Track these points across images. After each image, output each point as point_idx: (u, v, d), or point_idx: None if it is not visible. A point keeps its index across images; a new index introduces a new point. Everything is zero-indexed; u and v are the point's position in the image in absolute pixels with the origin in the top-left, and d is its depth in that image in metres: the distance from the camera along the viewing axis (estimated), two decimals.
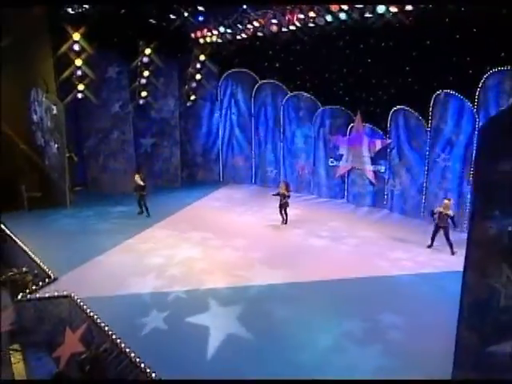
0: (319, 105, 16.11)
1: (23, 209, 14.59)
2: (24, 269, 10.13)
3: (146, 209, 14.06)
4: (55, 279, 9.65)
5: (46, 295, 8.91)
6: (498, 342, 5.09)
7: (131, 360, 6.66)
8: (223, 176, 18.80)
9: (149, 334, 7.88)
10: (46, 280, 9.54)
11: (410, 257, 11.26)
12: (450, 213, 11.05)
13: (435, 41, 12.92)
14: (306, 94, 16.34)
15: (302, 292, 9.39)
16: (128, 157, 16.81)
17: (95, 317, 7.80)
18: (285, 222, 13.41)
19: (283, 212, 13.36)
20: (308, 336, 7.82)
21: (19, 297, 9.03)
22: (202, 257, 11.13)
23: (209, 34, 16.43)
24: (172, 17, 15.35)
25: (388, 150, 14.66)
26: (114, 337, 7.20)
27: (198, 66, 17.71)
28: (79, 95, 15.72)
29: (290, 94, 16.71)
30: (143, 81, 16.74)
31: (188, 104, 18.10)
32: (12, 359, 8.61)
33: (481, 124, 11.52)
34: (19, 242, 11.51)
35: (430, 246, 11.61)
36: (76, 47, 15.05)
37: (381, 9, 12.20)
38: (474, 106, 12.27)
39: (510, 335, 5.00)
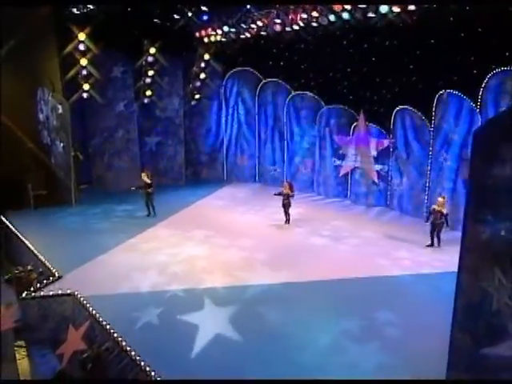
0: (322, 104, 16.15)
1: (29, 207, 14.79)
2: (29, 267, 10.34)
3: (153, 208, 14.14)
4: (59, 277, 9.80)
5: (50, 293, 9.10)
6: (490, 345, 5.15)
7: (131, 358, 6.80)
8: (227, 174, 18.90)
9: (141, 328, 8.09)
10: (51, 278, 9.70)
11: (410, 256, 11.31)
12: (444, 211, 11.18)
13: (439, 40, 12.86)
14: (309, 93, 16.38)
15: (301, 292, 9.45)
16: (133, 155, 16.98)
17: (97, 315, 7.95)
18: (287, 221, 13.45)
19: (286, 212, 13.39)
20: (299, 337, 7.82)
21: (24, 294, 9.20)
22: (204, 256, 11.23)
23: (213, 33, 16.48)
24: (176, 17, 15.42)
25: (391, 150, 14.68)
26: (115, 335, 7.34)
27: (203, 65, 17.80)
28: (84, 95, 15.90)
29: (293, 93, 16.75)
30: (148, 80, 16.89)
31: (192, 103, 18.20)
32: (17, 355, 8.81)
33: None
34: (25, 241, 11.72)
35: (430, 245, 11.66)
36: (81, 47, 15.19)
37: (384, 9, 12.20)
38: (477, 105, 12.25)
39: (502, 338, 5.05)
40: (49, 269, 10.09)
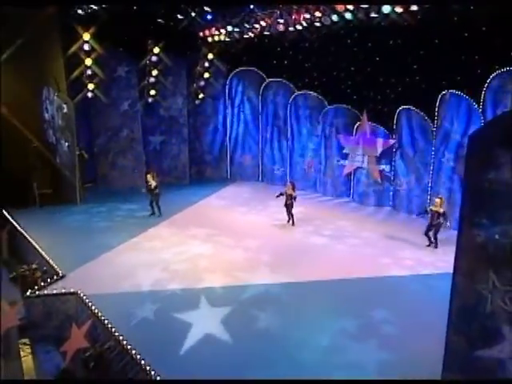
0: (326, 104, 16.17)
1: (35, 205, 14.98)
2: (34, 265, 10.47)
3: (158, 208, 14.18)
4: (63, 276, 9.93)
5: (54, 292, 9.22)
6: (484, 347, 5.20)
7: (132, 357, 6.91)
8: (231, 174, 18.99)
9: (137, 323, 8.32)
10: (55, 277, 9.82)
11: (413, 257, 11.36)
12: (441, 210, 11.29)
13: (443, 40, 12.86)
14: (312, 92, 16.41)
15: (301, 293, 9.51)
16: (137, 154, 17.10)
17: (99, 314, 8.07)
18: (292, 222, 13.44)
19: (289, 212, 13.41)
20: (294, 338, 7.85)
21: (28, 293, 9.33)
22: (206, 255, 11.31)
23: (217, 32, 16.55)
24: (180, 17, 15.49)
25: (394, 150, 14.69)
26: (116, 334, 7.46)
27: (207, 64, 17.87)
28: (89, 94, 16.02)
29: (296, 92, 16.79)
30: (152, 79, 16.99)
31: (196, 102, 18.29)
32: (21, 353, 8.96)
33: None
34: (30, 239, 11.86)
35: (429, 245, 11.74)
36: (86, 47, 15.30)
37: (386, 9, 12.19)
38: (479, 106, 12.23)
39: (496, 340, 5.11)
40: (53, 267, 10.22)
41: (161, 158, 17.83)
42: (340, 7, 12.79)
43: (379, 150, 14.92)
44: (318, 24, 13.74)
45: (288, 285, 9.85)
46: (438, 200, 11.53)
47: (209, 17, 16.01)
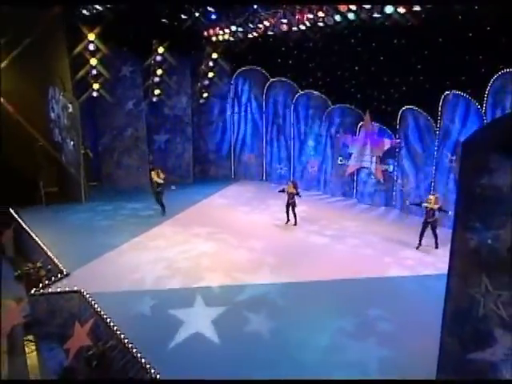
0: (329, 103, 16.21)
1: (41, 204, 15.18)
2: (39, 264, 10.66)
3: (162, 206, 14.32)
4: (67, 274, 10.09)
5: (58, 290, 9.39)
6: (477, 350, 5.27)
7: (133, 355, 7.05)
8: (235, 172, 19.09)
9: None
10: (59, 275, 10.00)
11: (413, 257, 11.41)
12: (436, 206, 11.32)
13: (447, 39, 12.80)
14: (316, 92, 16.44)
15: (302, 294, 9.57)
16: (141, 153, 17.25)
17: (102, 312, 8.22)
18: (294, 222, 13.48)
19: (291, 212, 13.43)
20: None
21: (33, 291, 9.51)
22: (208, 255, 11.40)
23: (221, 32, 16.63)
24: (184, 17, 15.59)
25: (397, 150, 14.71)
26: (118, 332, 7.60)
27: (211, 63, 17.95)
28: (94, 94, 16.19)
29: (300, 92, 16.83)
30: (156, 79, 17.09)
31: (201, 101, 18.39)
32: (26, 349, 9.14)
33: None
34: (35, 237, 12.05)
35: (417, 247, 11.75)
36: (91, 47, 15.43)
37: (389, 9, 12.20)
38: (482, 106, 12.21)
39: (488, 343, 5.17)
40: (57, 266, 10.39)
41: (165, 156, 17.96)
42: (343, 7, 12.82)
43: (382, 149, 14.94)
44: (321, 24, 13.79)
45: (288, 285, 9.91)
46: (431, 197, 11.55)
47: (213, 16, 16.11)
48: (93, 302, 8.62)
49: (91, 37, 15.25)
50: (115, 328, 7.77)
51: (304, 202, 14.73)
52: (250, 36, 16.10)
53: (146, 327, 8.33)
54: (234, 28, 15.98)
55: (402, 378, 6.88)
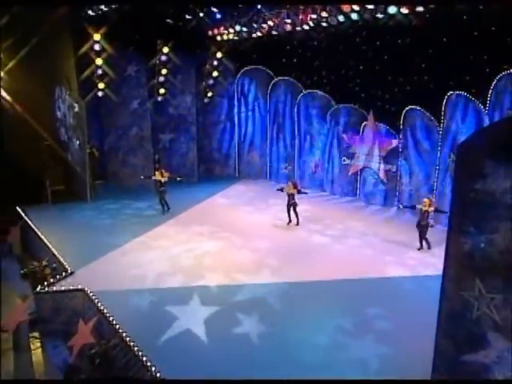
0: (333, 103, 16.24)
1: (47, 202, 15.39)
2: (44, 262, 10.86)
3: (166, 204, 14.47)
4: (72, 273, 10.26)
5: (62, 288, 9.56)
6: (470, 352, 5.34)
7: (135, 354, 7.19)
8: (239, 171, 19.19)
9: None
10: (63, 273, 10.16)
11: (415, 257, 11.46)
12: (431, 209, 11.37)
13: (452, 39, 12.77)
14: (320, 91, 16.48)
15: (302, 294, 9.66)
16: (146, 152, 17.39)
17: (105, 311, 8.38)
18: (296, 222, 13.54)
19: (293, 212, 13.47)
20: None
21: (38, 289, 9.69)
22: (209, 254, 11.51)
23: (225, 31, 16.70)
24: (188, 17, 15.69)
25: (400, 150, 14.73)
26: (120, 331, 7.75)
27: (215, 63, 18.05)
28: (100, 93, 16.34)
29: (304, 91, 16.87)
30: (161, 78, 17.23)
31: (205, 100, 18.49)
32: (31, 346, 9.34)
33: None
34: (41, 236, 12.25)
35: (419, 249, 11.78)
36: (96, 47, 15.59)
37: (392, 9, 12.20)
38: (485, 107, 12.19)
39: (482, 345, 5.24)
40: (62, 264, 10.56)
41: (170, 155, 18.10)
42: (346, 7, 12.84)
43: (386, 149, 14.97)
44: (324, 24, 13.81)
45: (290, 285, 10.00)
46: (426, 200, 11.60)
47: (218, 16, 16.18)
48: (96, 301, 8.78)
49: (97, 37, 15.40)
50: (117, 326, 7.92)
51: (307, 201, 14.81)
52: (254, 35, 16.15)
53: (142, 321, 8.60)
54: (238, 28, 16.05)
55: (401, 378, 6.95)
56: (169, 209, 14.50)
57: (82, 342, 8.19)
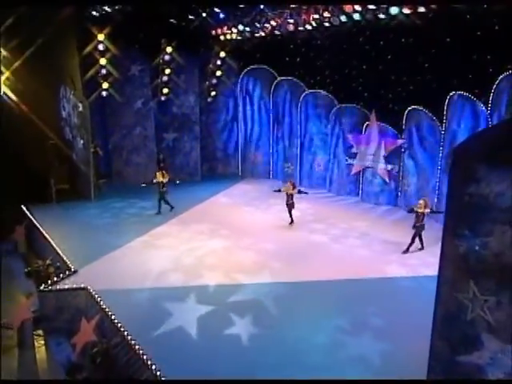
0: (336, 102, 16.27)
1: (52, 201, 15.54)
2: (48, 261, 11.01)
3: (169, 203, 14.56)
4: (75, 272, 10.39)
5: (66, 287, 9.70)
6: (465, 353, 5.40)
7: (136, 352, 7.30)
8: (242, 171, 19.27)
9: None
10: (67, 272, 10.30)
11: (416, 257, 11.49)
12: (426, 210, 11.40)
13: (455, 39, 12.74)
14: (323, 91, 16.51)
15: (303, 293, 9.73)
16: (149, 151, 17.53)
17: (107, 309, 8.51)
18: (290, 222, 13.65)
19: (288, 212, 13.56)
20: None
21: (42, 287, 9.84)
22: (211, 254, 11.61)
23: (228, 31, 16.77)
24: (191, 17, 15.77)
25: (402, 150, 14.74)
26: (122, 329, 7.87)
27: (219, 62, 18.12)
28: (104, 93, 16.49)
29: (307, 91, 16.91)
30: (165, 78, 17.33)
31: (208, 100, 18.59)
32: (35, 343, 9.50)
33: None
34: (45, 234, 12.40)
35: (420, 249, 11.77)
36: (100, 47, 15.72)
37: (394, 10, 12.21)
38: (487, 107, 12.17)
39: (476, 347, 5.30)
40: (65, 263, 10.70)
41: (173, 154, 18.21)
42: (348, 8, 12.85)
43: (388, 149, 14.99)
44: (327, 24, 13.84)
45: (290, 285, 10.06)
46: (421, 201, 11.62)
47: (221, 16, 16.24)
48: (99, 299, 8.91)
49: (101, 37, 15.53)
50: (119, 325, 8.03)
51: (310, 200, 14.87)
52: (257, 35, 16.21)
53: (138, 316, 8.74)
54: (241, 27, 16.10)
55: (399, 378, 7.02)
56: (172, 208, 14.61)
57: (84, 340, 8.33)
